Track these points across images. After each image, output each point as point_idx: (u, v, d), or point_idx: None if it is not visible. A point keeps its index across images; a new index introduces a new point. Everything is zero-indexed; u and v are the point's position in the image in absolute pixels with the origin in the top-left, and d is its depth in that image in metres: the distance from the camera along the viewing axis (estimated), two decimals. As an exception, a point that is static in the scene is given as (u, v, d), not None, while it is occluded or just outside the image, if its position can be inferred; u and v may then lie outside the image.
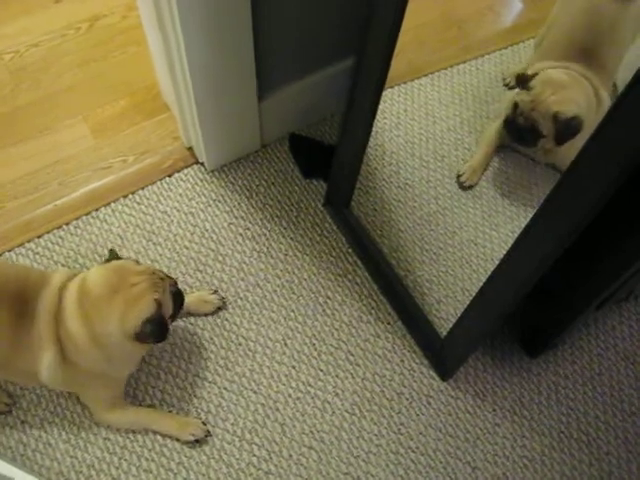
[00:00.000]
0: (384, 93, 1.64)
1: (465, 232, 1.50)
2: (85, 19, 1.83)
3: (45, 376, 1.14)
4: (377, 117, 1.29)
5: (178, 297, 1.19)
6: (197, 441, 1.27)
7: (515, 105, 1.47)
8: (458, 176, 1.57)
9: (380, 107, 1.62)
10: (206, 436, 1.27)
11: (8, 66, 1.74)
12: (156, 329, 1.10)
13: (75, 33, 1.81)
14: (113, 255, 1.19)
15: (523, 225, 0.96)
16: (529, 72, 1.48)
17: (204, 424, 1.28)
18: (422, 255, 1.48)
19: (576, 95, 1.44)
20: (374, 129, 1.32)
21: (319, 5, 1.36)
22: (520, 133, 1.49)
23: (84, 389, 1.24)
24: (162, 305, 1.11)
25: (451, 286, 1.45)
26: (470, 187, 1.56)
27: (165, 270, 1.42)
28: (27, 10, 1.85)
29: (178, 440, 1.27)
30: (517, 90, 1.49)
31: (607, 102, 1.46)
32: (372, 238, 1.48)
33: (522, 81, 1.46)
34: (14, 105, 1.68)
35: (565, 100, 1.42)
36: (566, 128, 1.39)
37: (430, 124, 1.66)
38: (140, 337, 1.09)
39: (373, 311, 1.42)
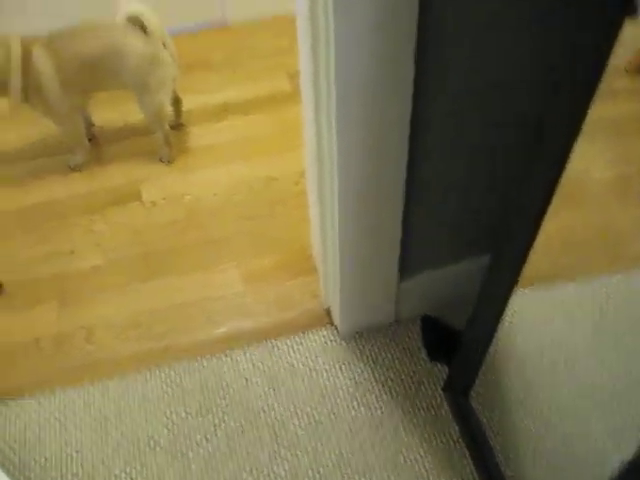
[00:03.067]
0: (524, 291, 1.68)
1: (584, 443, 1.46)
2: (261, 178, 2.04)
3: None
4: (513, 314, 1.32)
5: None
6: None
7: None
8: None
9: (517, 307, 1.65)
10: None
11: (186, 205, 1.96)
12: None
13: (249, 190, 2.01)
14: None
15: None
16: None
17: None
18: (534, 459, 1.45)
19: None
20: (507, 325, 1.34)
21: (469, 204, 1.45)
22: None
23: None
24: None
25: (559, 497, 1.40)
26: None
27: (278, 418, 1.49)
28: (213, 164, 2.10)
29: None
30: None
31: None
32: (485, 432, 1.47)
33: None
34: (182, 241, 1.88)
35: None
36: None
37: (566, 329, 1.65)
38: None
39: (472, 506, 1.39)
